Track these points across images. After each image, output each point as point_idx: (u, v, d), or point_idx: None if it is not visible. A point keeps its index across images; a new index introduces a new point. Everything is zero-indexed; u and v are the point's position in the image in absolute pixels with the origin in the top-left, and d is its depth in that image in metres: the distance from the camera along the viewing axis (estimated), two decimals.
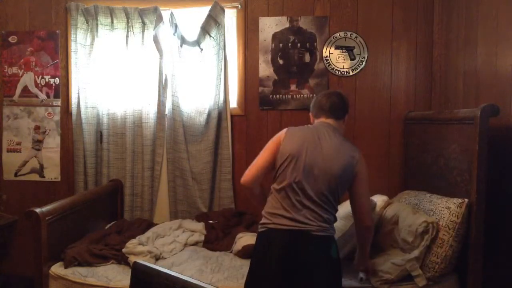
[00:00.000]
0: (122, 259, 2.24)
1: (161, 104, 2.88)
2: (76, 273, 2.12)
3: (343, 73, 2.91)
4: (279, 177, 1.75)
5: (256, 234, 1.80)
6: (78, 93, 2.92)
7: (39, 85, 3.03)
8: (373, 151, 2.91)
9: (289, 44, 2.91)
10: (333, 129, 1.84)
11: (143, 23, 2.87)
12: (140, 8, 2.86)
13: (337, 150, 1.76)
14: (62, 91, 3.03)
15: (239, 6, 2.90)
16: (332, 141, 1.78)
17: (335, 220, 1.81)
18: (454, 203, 2.01)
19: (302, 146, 1.74)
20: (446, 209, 2.02)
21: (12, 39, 3.02)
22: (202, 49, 2.88)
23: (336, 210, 1.80)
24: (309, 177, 1.71)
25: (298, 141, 1.76)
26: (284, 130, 1.84)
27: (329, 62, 2.90)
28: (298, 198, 1.70)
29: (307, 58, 2.91)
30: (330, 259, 1.72)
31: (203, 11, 2.84)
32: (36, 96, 3.03)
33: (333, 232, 1.77)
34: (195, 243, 2.56)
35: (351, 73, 2.91)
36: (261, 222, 1.78)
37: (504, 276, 2.05)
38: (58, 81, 3.02)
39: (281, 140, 1.80)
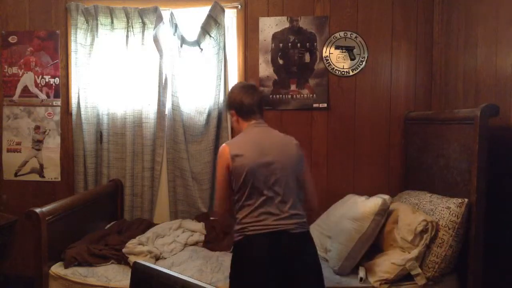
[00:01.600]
0: (122, 259, 2.24)
1: (161, 104, 2.88)
2: (76, 273, 2.12)
3: (343, 73, 2.91)
4: (247, 194, 1.70)
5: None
6: (78, 93, 2.92)
7: (39, 85, 3.03)
8: (373, 151, 2.91)
9: (289, 44, 2.91)
10: (267, 127, 1.86)
11: (143, 23, 2.87)
12: (140, 8, 2.86)
13: (283, 143, 1.80)
14: (62, 91, 3.03)
15: (239, 6, 2.90)
16: (275, 137, 1.81)
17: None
18: (454, 203, 2.01)
19: (253, 155, 1.71)
20: (446, 209, 2.02)
21: (12, 39, 3.02)
22: (202, 49, 2.88)
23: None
24: (276, 182, 1.71)
25: (247, 154, 1.71)
26: (225, 149, 1.75)
27: (329, 62, 2.90)
28: (276, 206, 1.69)
29: (307, 58, 2.91)
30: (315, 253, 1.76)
31: (203, 11, 2.84)
32: (36, 96, 3.03)
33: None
34: (195, 243, 2.56)
35: (351, 73, 2.91)
36: (239, 228, 1.72)
37: (504, 276, 2.05)
38: (58, 81, 3.02)
39: (229, 162, 1.71)
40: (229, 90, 1.97)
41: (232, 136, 2.92)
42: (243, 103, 1.85)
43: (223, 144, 1.80)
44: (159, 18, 2.80)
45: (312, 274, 1.72)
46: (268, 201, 1.69)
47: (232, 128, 2.93)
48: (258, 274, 1.63)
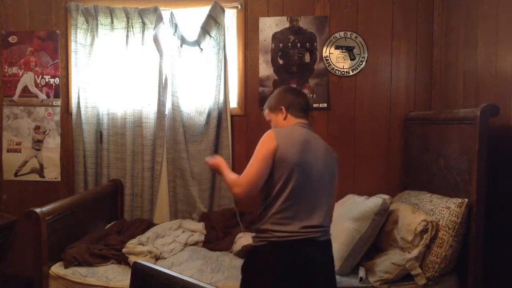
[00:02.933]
0: (122, 259, 2.24)
1: (161, 104, 2.88)
2: (76, 273, 2.12)
3: (343, 73, 2.91)
4: (278, 189, 1.62)
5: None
6: (78, 93, 2.92)
7: (39, 85, 3.03)
8: (373, 151, 2.91)
9: (289, 44, 2.91)
10: (312, 130, 1.81)
11: (143, 23, 2.87)
12: (140, 8, 2.86)
13: (326, 151, 1.74)
14: (62, 91, 3.03)
15: (239, 6, 2.90)
16: (320, 143, 1.76)
17: None
18: (454, 203, 2.01)
19: (301, 152, 1.64)
20: (446, 209, 2.02)
21: (12, 39, 3.02)
22: (202, 49, 2.88)
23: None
24: (312, 184, 1.65)
25: (295, 148, 1.64)
26: (271, 138, 1.65)
27: (329, 62, 2.90)
28: (307, 206, 1.65)
29: (307, 58, 2.91)
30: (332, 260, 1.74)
31: (203, 11, 2.84)
32: (36, 96, 3.03)
33: None
34: (195, 243, 2.56)
35: (351, 73, 2.91)
36: (263, 233, 1.64)
37: (504, 276, 2.05)
38: (58, 81, 3.02)
39: (275, 151, 1.62)
40: (275, 92, 1.92)
41: (232, 137, 2.92)
42: (296, 100, 1.83)
43: (270, 131, 1.69)
44: (159, 18, 2.80)
45: (331, 281, 1.72)
46: (300, 204, 1.62)
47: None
48: (281, 283, 1.58)
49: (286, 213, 1.61)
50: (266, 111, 1.92)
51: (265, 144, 1.65)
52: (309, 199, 1.64)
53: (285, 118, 1.83)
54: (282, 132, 1.69)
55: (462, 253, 2.02)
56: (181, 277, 1.05)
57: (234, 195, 1.67)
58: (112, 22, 2.89)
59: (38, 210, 2.07)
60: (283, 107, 1.83)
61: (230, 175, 1.73)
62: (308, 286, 1.61)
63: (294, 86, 2.00)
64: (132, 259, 2.16)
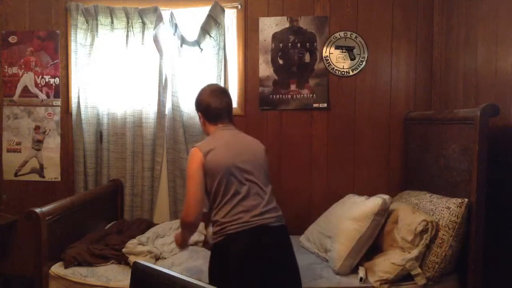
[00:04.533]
0: (122, 259, 2.24)
1: (161, 104, 2.88)
2: (76, 273, 2.12)
3: (343, 73, 2.91)
4: (223, 193, 1.72)
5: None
6: (78, 93, 2.92)
7: (39, 85, 3.03)
8: (373, 151, 2.91)
9: (289, 44, 2.90)
10: (235, 129, 1.89)
11: (143, 23, 2.87)
12: (140, 8, 2.86)
13: (252, 145, 1.84)
14: (62, 91, 3.03)
15: (239, 6, 2.90)
16: (245, 139, 1.85)
17: None
18: (454, 203, 2.01)
19: (229, 154, 1.74)
20: (446, 209, 2.02)
21: (12, 39, 3.02)
22: (202, 49, 2.87)
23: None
24: (250, 179, 1.74)
25: (222, 152, 1.74)
26: (195, 150, 1.74)
27: (329, 62, 2.90)
28: (253, 202, 1.72)
29: (307, 58, 2.91)
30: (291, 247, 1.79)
31: (203, 11, 2.84)
32: (36, 96, 3.03)
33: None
34: (195, 243, 2.56)
35: (351, 73, 2.91)
36: (219, 229, 1.72)
37: (504, 276, 2.05)
38: (58, 81, 3.02)
39: (203, 161, 1.71)
40: (199, 91, 1.96)
41: None
42: (210, 106, 1.86)
43: (192, 148, 1.78)
44: (159, 18, 2.80)
45: (293, 268, 1.75)
46: (246, 198, 1.71)
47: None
48: (242, 272, 1.64)
49: (235, 210, 1.70)
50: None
51: (191, 161, 1.73)
52: (251, 192, 1.72)
53: (204, 124, 1.92)
54: (204, 144, 1.77)
55: (462, 253, 2.02)
56: (181, 277, 1.05)
57: (189, 225, 1.76)
58: (112, 22, 2.88)
59: (38, 210, 2.07)
60: (200, 113, 1.92)
61: (179, 229, 1.86)
62: (268, 271, 1.66)
63: (218, 85, 2.06)
64: (132, 259, 2.16)
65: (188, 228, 1.80)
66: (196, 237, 2.58)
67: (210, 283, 1.73)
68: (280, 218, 1.77)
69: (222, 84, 2.85)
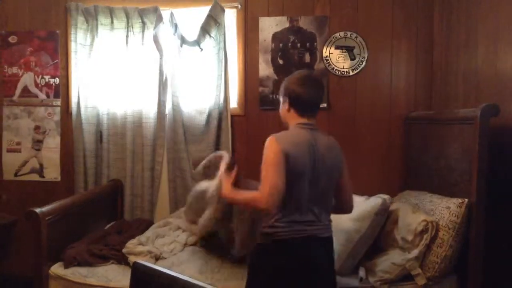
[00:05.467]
0: (122, 259, 2.24)
1: (161, 104, 2.88)
2: (76, 273, 2.12)
3: (343, 73, 2.90)
4: (289, 193, 1.58)
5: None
6: (78, 93, 2.92)
7: (39, 85, 3.03)
8: (373, 151, 2.91)
9: (289, 44, 2.90)
10: (314, 130, 1.71)
11: (143, 23, 2.87)
12: (140, 8, 2.86)
13: (330, 148, 1.70)
14: (62, 91, 3.03)
15: (239, 6, 2.90)
16: (324, 142, 1.70)
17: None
18: (454, 203, 2.01)
19: (308, 159, 1.61)
20: (446, 209, 2.02)
21: (12, 39, 3.02)
22: (202, 49, 2.87)
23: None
24: (319, 188, 1.65)
25: (302, 154, 1.60)
26: (274, 143, 1.59)
27: (329, 62, 2.90)
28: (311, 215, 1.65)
29: (307, 58, 2.91)
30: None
31: (203, 11, 2.84)
32: (36, 96, 3.03)
33: None
34: (195, 243, 2.55)
35: (351, 73, 2.91)
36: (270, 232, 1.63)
37: (504, 276, 2.05)
38: (58, 81, 3.02)
39: (282, 151, 1.56)
40: (291, 75, 1.78)
41: (232, 137, 2.91)
42: (302, 97, 1.69)
43: (271, 136, 1.62)
44: (159, 18, 2.80)
45: (332, 278, 1.73)
46: (308, 208, 1.63)
47: (230, 130, 2.93)
48: (283, 279, 1.60)
49: (291, 217, 1.61)
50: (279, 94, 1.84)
51: (272, 150, 1.58)
52: (313, 203, 1.64)
53: (288, 111, 1.74)
54: (284, 138, 1.63)
55: (462, 253, 2.02)
56: (181, 277, 1.05)
57: (261, 210, 1.57)
58: (112, 22, 2.88)
59: (38, 210, 2.07)
60: (287, 99, 1.73)
61: (247, 196, 1.62)
62: (310, 283, 1.62)
63: (314, 76, 1.86)
64: (132, 259, 2.16)
65: (254, 211, 1.65)
66: (196, 237, 2.53)
67: (249, 279, 1.69)
68: (329, 228, 1.70)
69: (222, 84, 2.85)
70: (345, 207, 1.80)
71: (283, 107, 1.77)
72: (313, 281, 1.63)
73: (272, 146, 1.58)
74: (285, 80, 1.80)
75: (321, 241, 1.66)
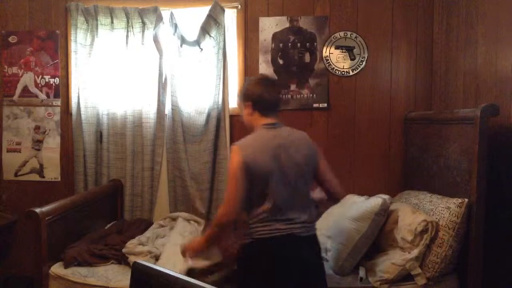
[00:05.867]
0: (122, 259, 2.24)
1: (161, 104, 2.88)
2: (76, 273, 2.12)
3: (343, 73, 2.91)
4: (261, 196, 1.66)
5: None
6: (78, 93, 2.91)
7: (39, 85, 3.03)
8: (373, 151, 2.91)
9: (289, 44, 2.90)
10: (280, 128, 1.76)
11: (143, 23, 2.87)
12: (140, 8, 2.86)
13: (300, 145, 1.73)
14: (62, 91, 3.02)
15: (239, 6, 2.90)
16: (293, 138, 1.74)
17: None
18: (454, 203, 2.01)
19: (273, 159, 1.65)
20: (446, 209, 2.02)
21: (12, 39, 3.02)
22: (202, 49, 2.87)
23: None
24: (290, 186, 1.67)
25: (265, 156, 1.65)
26: (236, 152, 1.66)
27: (329, 62, 2.90)
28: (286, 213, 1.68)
29: (307, 58, 2.91)
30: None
31: (203, 11, 2.84)
32: (36, 96, 3.03)
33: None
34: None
35: (351, 73, 2.91)
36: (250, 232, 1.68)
37: (504, 276, 2.05)
38: (58, 81, 3.02)
39: (243, 162, 1.63)
40: (247, 81, 1.87)
41: (231, 136, 2.91)
42: (263, 97, 1.76)
43: (234, 146, 1.70)
44: (159, 18, 2.80)
45: (319, 276, 1.74)
46: (280, 209, 1.66)
47: (230, 128, 2.93)
48: (267, 277, 1.62)
49: (268, 217, 1.65)
50: (237, 101, 1.90)
51: (233, 162, 1.65)
52: (288, 200, 1.67)
53: (251, 114, 1.79)
54: (247, 144, 1.69)
55: (462, 253, 2.02)
56: (181, 277, 1.05)
57: (223, 224, 1.67)
58: (112, 22, 2.88)
59: (38, 210, 2.07)
60: (249, 103, 1.78)
61: (208, 231, 1.78)
62: (293, 282, 1.64)
63: (270, 78, 1.99)
64: (132, 259, 2.16)
65: (221, 228, 1.70)
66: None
67: (239, 280, 1.73)
68: (311, 228, 1.73)
69: (221, 84, 2.85)
70: (335, 196, 1.83)
71: (246, 112, 1.82)
72: (295, 280, 1.64)
73: (234, 157, 1.66)
74: (243, 86, 1.88)
75: (301, 240, 1.67)
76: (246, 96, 1.81)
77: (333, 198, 1.84)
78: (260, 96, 1.76)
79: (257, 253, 1.66)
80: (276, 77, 2.90)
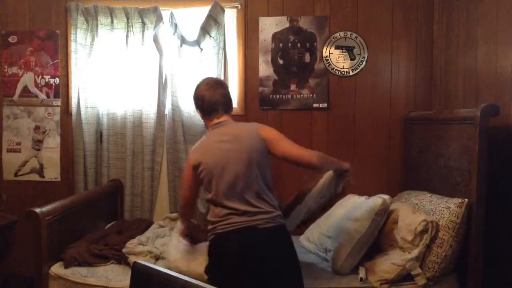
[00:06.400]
0: (122, 259, 2.23)
1: (161, 104, 2.88)
2: (76, 273, 2.12)
3: (343, 73, 2.91)
4: (214, 192, 1.77)
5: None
6: (78, 93, 2.91)
7: (39, 85, 3.03)
8: (373, 151, 2.91)
9: (289, 44, 2.90)
10: (227, 124, 1.86)
11: (143, 23, 2.87)
12: (140, 8, 2.86)
13: (245, 137, 1.79)
14: (62, 91, 3.02)
15: (239, 6, 2.90)
16: (235, 133, 1.81)
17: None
18: (454, 203, 2.01)
19: (215, 156, 1.78)
20: (446, 209, 2.02)
21: (12, 39, 3.02)
22: (202, 49, 2.87)
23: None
24: (239, 183, 1.73)
25: (209, 154, 1.79)
26: (190, 153, 1.87)
27: (329, 62, 2.90)
28: (240, 204, 1.73)
29: (307, 58, 2.91)
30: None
31: (203, 11, 2.84)
32: (36, 96, 3.03)
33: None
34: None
35: (351, 73, 2.91)
36: (211, 228, 1.79)
37: (504, 276, 2.05)
38: (58, 81, 3.02)
39: (193, 164, 1.81)
40: (195, 87, 1.97)
41: None
42: (204, 99, 1.86)
43: (191, 148, 1.89)
44: (159, 18, 2.80)
45: (286, 269, 1.74)
46: (234, 201, 1.73)
47: None
48: (231, 270, 1.68)
49: (224, 210, 1.73)
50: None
51: (187, 163, 1.88)
52: (245, 194, 1.72)
53: (203, 117, 1.93)
54: (197, 147, 1.86)
55: (462, 253, 2.02)
56: (181, 277, 1.05)
57: (181, 206, 2.01)
58: (112, 22, 2.88)
59: (38, 210, 2.07)
60: (197, 107, 1.92)
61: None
62: (259, 274, 1.67)
63: (212, 78, 2.05)
64: (132, 259, 2.16)
65: (181, 208, 2.02)
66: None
67: (207, 273, 1.82)
68: (270, 219, 1.73)
69: None
70: (312, 166, 1.80)
71: (203, 118, 1.95)
72: (259, 272, 1.66)
73: (188, 159, 1.86)
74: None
75: (261, 232, 1.69)
76: (194, 103, 1.95)
77: (313, 169, 1.82)
78: (202, 99, 1.88)
79: (219, 247, 1.73)
80: (276, 77, 2.91)
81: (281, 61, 2.92)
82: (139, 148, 2.94)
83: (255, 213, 1.71)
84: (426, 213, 2.11)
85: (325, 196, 1.88)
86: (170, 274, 1.08)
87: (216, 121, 1.87)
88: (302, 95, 2.91)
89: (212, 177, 1.76)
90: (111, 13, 2.86)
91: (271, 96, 2.92)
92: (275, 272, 1.69)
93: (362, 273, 2.07)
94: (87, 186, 2.95)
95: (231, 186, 1.73)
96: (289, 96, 2.92)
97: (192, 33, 2.87)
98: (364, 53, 2.89)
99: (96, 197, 2.69)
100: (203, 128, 2.88)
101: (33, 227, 2.07)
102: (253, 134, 1.82)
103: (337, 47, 2.89)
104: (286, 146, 1.83)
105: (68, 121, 3.01)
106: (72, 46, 2.90)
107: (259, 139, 1.81)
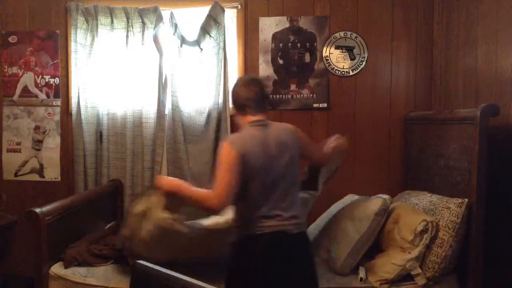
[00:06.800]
0: (122, 259, 2.23)
1: (161, 104, 2.88)
2: (76, 273, 2.12)
3: (343, 73, 2.91)
4: (250, 191, 1.67)
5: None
6: (78, 93, 2.91)
7: (39, 85, 3.03)
8: (373, 151, 2.91)
9: (289, 44, 2.90)
10: (264, 125, 1.78)
11: (143, 23, 2.87)
12: (140, 8, 2.86)
13: (282, 139, 1.76)
14: (62, 91, 3.02)
15: (239, 6, 2.90)
16: (272, 135, 1.75)
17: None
18: (454, 203, 2.01)
19: (262, 155, 1.67)
20: (446, 209, 2.02)
21: (12, 39, 3.02)
22: (202, 49, 2.87)
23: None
24: (277, 186, 1.69)
25: (255, 152, 1.66)
26: (229, 147, 1.65)
27: (329, 62, 2.90)
28: (276, 208, 1.69)
29: (307, 58, 2.91)
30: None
31: (203, 11, 2.84)
32: (36, 96, 3.03)
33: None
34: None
35: (351, 73, 2.91)
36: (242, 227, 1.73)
37: (504, 276, 2.05)
38: (58, 81, 3.02)
39: (237, 155, 1.62)
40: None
41: None
42: (236, 95, 1.83)
43: (225, 142, 1.70)
44: (159, 18, 2.80)
45: (308, 276, 1.73)
46: (270, 203, 1.68)
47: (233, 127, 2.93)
48: (256, 272, 1.63)
49: (256, 213, 1.67)
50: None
51: (226, 154, 1.65)
52: (278, 197, 1.69)
53: (240, 114, 1.84)
54: (238, 140, 1.70)
55: (462, 253, 2.02)
56: (181, 277, 1.05)
57: (208, 208, 1.62)
58: (112, 22, 2.88)
59: (38, 210, 2.06)
60: (235, 104, 1.86)
61: (198, 191, 1.68)
62: (283, 279, 1.65)
63: (250, 76, 2.06)
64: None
65: (204, 208, 1.65)
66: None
67: (229, 274, 1.74)
68: (301, 225, 1.73)
69: (222, 84, 2.85)
70: (328, 161, 2.07)
71: (237, 114, 1.87)
72: (285, 277, 1.65)
73: (226, 151, 1.66)
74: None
75: (293, 238, 1.68)
76: (232, 99, 1.90)
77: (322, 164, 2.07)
78: (235, 96, 1.84)
79: (247, 248, 1.67)
80: (276, 77, 2.91)
81: (281, 61, 2.92)
82: (139, 148, 2.93)
83: (288, 218, 1.69)
84: (426, 213, 2.11)
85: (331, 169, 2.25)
86: (170, 274, 1.08)
87: (252, 118, 1.77)
88: (302, 95, 2.91)
89: (252, 175, 1.65)
90: (111, 13, 2.86)
91: (271, 96, 2.92)
92: (299, 277, 1.68)
93: (362, 273, 2.07)
94: (87, 186, 2.94)
95: (269, 188, 1.68)
96: (289, 96, 2.92)
97: (192, 33, 2.87)
98: (364, 53, 2.89)
99: (96, 197, 2.69)
100: (203, 128, 2.89)
101: (33, 227, 2.06)
102: (293, 136, 1.80)
103: (337, 47, 2.89)
104: (315, 148, 1.98)
105: (68, 121, 3.01)
106: (72, 46, 2.90)
107: (296, 142, 1.80)
